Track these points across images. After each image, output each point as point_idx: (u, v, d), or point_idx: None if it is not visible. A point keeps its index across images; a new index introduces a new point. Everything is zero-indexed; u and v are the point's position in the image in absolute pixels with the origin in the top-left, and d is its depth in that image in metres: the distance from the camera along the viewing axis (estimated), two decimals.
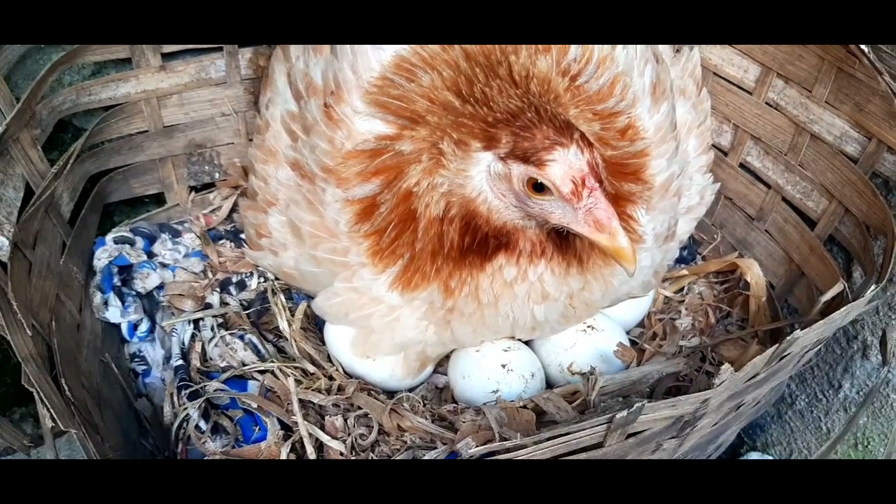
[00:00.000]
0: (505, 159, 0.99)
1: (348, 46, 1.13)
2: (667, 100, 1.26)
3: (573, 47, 1.10)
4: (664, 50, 1.39)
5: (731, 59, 1.50)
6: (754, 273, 1.42)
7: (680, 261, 1.58)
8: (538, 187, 0.98)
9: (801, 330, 0.95)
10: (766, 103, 1.45)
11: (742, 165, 1.54)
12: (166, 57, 1.49)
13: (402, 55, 1.10)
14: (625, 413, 0.84)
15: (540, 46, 1.09)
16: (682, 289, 1.53)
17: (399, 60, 1.10)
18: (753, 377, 0.97)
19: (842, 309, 0.99)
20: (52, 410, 0.94)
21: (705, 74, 1.51)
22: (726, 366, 0.89)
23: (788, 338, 0.94)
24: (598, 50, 1.12)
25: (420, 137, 1.06)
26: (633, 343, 1.37)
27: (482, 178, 1.03)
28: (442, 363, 1.38)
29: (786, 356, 0.99)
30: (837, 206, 1.32)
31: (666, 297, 1.50)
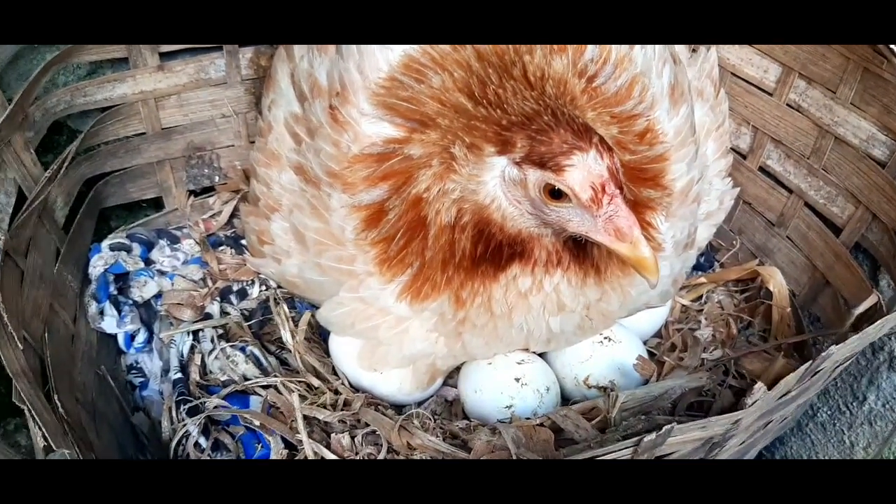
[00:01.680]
0: (520, 164, 0.96)
1: (354, 46, 1.10)
2: (685, 102, 1.23)
3: (590, 47, 1.08)
4: (680, 50, 1.36)
5: (750, 59, 1.46)
6: (777, 281, 1.38)
7: (697, 268, 1.54)
8: (555, 194, 0.94)
9: (836, 345, 0.90)
10: (788, 105, 1.41)
11: (762, 169, 1.50)
12: (164, 56, 1.47)
13: (412, 55, 1.07)
14: (653, 436, 0.79)
15: (555, 46, 1.06)
16: (699, 297, 1.49)
17: (408, 60, 1.07)
18: (785, 395, 0.93)
19: (877, 322, 0.94)
20: (43, 429, 0.90)
21: (723, 75, 1.47)
22: (759, 384, 0.84)
23: (823, 353, 0.89)
24: (616, 50, 1.10)
25: (430, 141, 1.03)
26: (650, 354, 1.33)
27: (496, 184, 1.00)
28: (451, 375, 1.34)
29: (818, 372, 0.94)
30: (864, 212, 1.28)
31: (683, 305, 1.46)
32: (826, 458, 1.50)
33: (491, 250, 1.04)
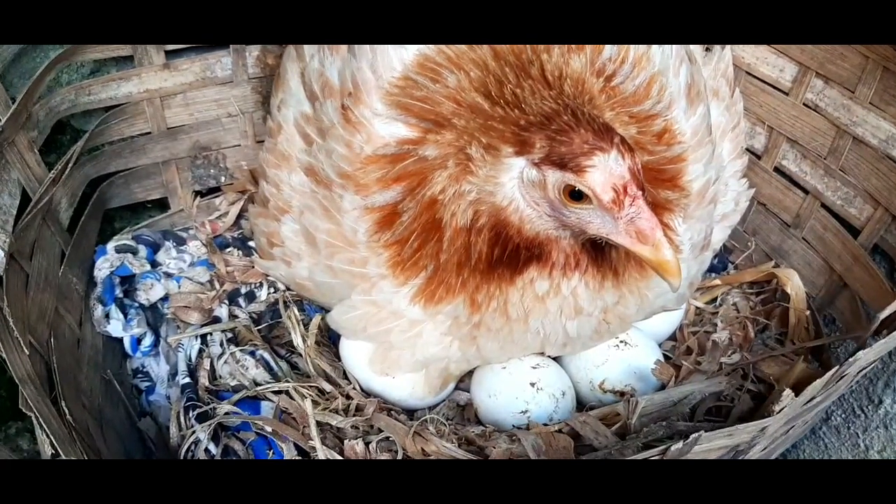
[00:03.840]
0: (539, 165, 0.94)
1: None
2: (702, 101, 1.21)
3: (608, 46, 1.05)
4: (696, 49, 1.34)
5: (765, 58, 1.44)
6: (794, 284, 1.36)
7: (710, 270, 1.51)
8: (576, 195, 0.92)
9: (863, 350, 0.88)
10: (804, 104, 1.39)
11: (777, 170, 1.48)
12: (170, 55, 1.45)
13: (426, 54, 1.05)
14: (681, 445, 0.77)
15: (573, 45, 1.03)
16: (714, 299, 1.47)
17: (422, 59, 1.05)
18: (810, 400, 0.91)
19: None
20: (51, 437, 0.88)
21: (737, 74, 1.46)
22: (788, 391, 0.83)
23: (850, 359, 0.88)
24: (634, 49, 1.08)
25: (446, 142, 1.01)
26: (665, 358, 1.31)
27: (514, 186, 0.97)
28: (463, 379, 1.31)
29: (843, 377, 0.93)
30: (883, 214, 1.26)
31: (698, 308, 1.44)
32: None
33: (508, 253, 1.02)
